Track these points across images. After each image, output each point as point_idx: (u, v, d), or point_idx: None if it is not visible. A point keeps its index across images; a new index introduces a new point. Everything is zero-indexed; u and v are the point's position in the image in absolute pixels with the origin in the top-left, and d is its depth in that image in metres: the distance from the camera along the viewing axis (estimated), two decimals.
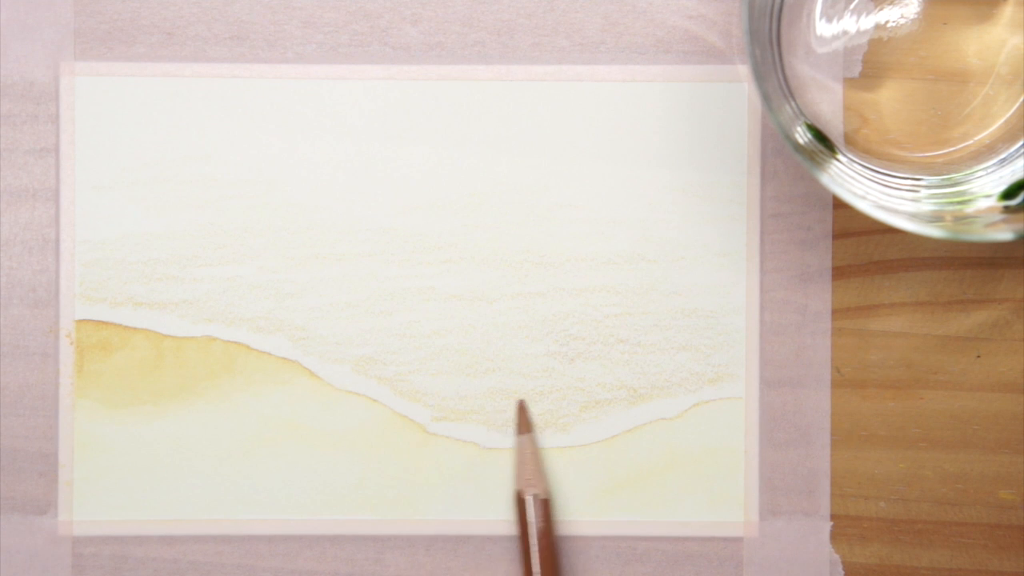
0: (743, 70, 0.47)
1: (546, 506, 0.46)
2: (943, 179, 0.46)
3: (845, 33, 0.46)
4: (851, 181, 0.45)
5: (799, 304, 0.47)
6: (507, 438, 0.47)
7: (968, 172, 0.46)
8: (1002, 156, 0.46)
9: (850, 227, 0.47)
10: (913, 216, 0.43)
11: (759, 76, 0.42)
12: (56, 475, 0.47)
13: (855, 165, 0.45)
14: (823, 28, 0.46)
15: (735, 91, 0.47)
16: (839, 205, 0.47)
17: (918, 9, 0.46)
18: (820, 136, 0.45)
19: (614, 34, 0.47)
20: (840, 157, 0.45)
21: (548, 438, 0.47)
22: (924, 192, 0.45)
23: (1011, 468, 0.47)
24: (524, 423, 0.47)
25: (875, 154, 0.46)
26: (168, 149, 0.47)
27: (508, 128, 0.47)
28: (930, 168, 0.46)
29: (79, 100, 0.47)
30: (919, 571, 0.47)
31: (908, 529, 0.47)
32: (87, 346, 0.47)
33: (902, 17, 0.46)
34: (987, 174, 0.45)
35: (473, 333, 0.47)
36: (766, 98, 0.42)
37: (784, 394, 0.47)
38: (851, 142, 0.46)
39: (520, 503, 0.46)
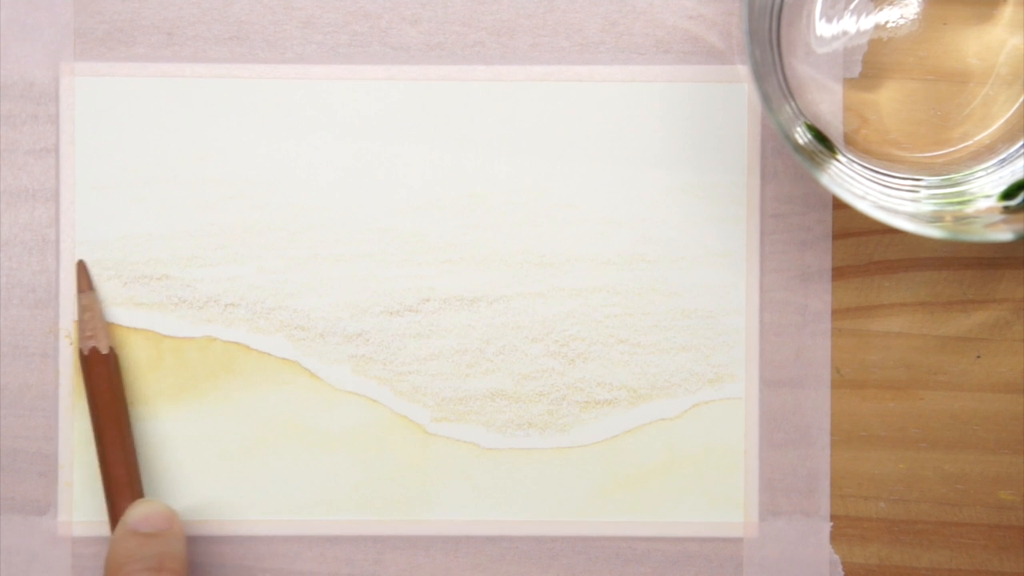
0: (743, 70, 0.47)
1: (109, 360, 0.46)
2: (943, 179, 0.46)
3: (845, 33, 0.46)
4: (851, 181, 0.45)
5: (799, 304, 0.47)
6: (507, 438, 0.47)
7: (968, 172, 0.46)
8: (1002, 156, 0.46)
9: (850, 227, 0.47)
10: (913, 216, 0.43)
11: (759, 76, 0.42)
12: (56, 475, 0.47)
13: (855, 165, 0.45)
14: (823, 28, 0.46)
15: (735, 91, 0.47)
16: (839, 205, 0.47)
17: (918, 9, 0.46)
18: (820, 136, 0.45)
19: (614, 34, 0.47)
20: (840, 157, 0.45)
21: (548, 439, 0.47)
22: (924, 192, 0.45)
23: (1011, 468, 0.47)
24: (84, 282, 0.46)
25: (875, 154, 0.46)
26: (168, 149, 0.47)
27: (508, 128, 0.47)
28: (930, 168, 0.46)
29: (79, 100, 0.47)
30: (919, 571, 0.47)
31: (908, 529, 0.47)
32: None
33: (902, 17, 0.46)
34: (987, 174, 0.46)
35: (473, 333, 0.47)
36: (766, 98, 0.42)
37: (784, 394, 0.47)
38: (851, 142, 0.46)
39: (86, 360, 0.46)
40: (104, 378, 0.45)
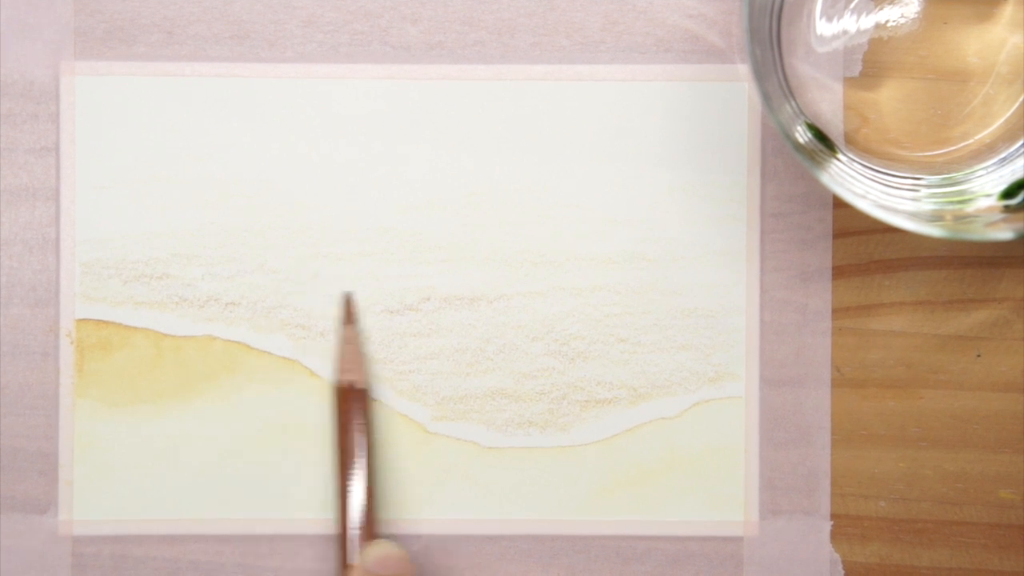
0: (743, 70, 0.47)
1: (364, 397, 0.46)
2: (943, 178, 0.46)
3: (845, 32, 0.46)
4: (851, 180, 0.45)
5: (799, 304, 0.47)
6: (507, 437, 0.47)
7: (968, 171, 0.46)
8: (1002, 155, 0.46)
9: (850, 226, 0.47)
10: (913, 215, 0.43)
11: (759, 76, 0.42)
12: (56, 475, 0.47)
13: (855, 164, 0.46)
14: (823, 27, 0.46)
15: (735, 91, 0.47)
16: (839, 204, 0.47)
17: (918, 8, 0.46)
18: (820, 135, 0.45)
19: (614, 34, 0.47)
20: (840, 156, 0.45)
21: (548, 438, 0.47)
22: (924, 191, 0.45)
23: (1011, 468, 0.47)
24: (349, 315, 0.46)
25: (875, 153, 0.46)
26: (168, 149, 0.47)
27: (508, 128, 0.47)
28: (930, 167, 0.46)
29: (79, 100, 0.47)
30: (919, 571, 0.47)
31: (908, 529, 0.47)
32: (87, 346, 0.47)
33: (902, 16, 0.46)
34: (987, 173, 0.46)
35: (473, 332, 0.47)
36: (766, 98, 0.42)
37: (784, 394, 0.47)
38: (851, 141, 0.46)
39: (339, 393, 0.46)
40: (357, 413, 0.46)
